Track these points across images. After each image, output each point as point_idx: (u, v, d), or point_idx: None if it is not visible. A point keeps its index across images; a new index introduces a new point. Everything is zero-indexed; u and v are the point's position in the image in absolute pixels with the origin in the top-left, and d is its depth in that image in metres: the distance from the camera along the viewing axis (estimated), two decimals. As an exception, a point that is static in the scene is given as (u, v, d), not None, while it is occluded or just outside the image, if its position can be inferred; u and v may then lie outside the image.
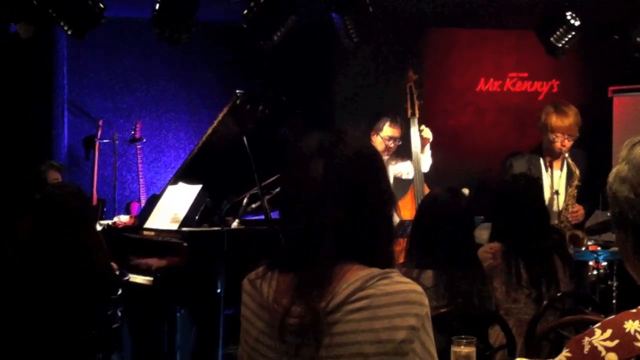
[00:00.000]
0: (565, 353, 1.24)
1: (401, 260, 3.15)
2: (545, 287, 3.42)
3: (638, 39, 5.19)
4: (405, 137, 5.17)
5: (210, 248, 4.23)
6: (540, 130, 4.69)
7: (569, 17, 5.21)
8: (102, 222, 4.98)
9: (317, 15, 5.60)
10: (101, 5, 4.49)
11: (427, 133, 5.17)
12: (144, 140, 6.66)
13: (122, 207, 6.58)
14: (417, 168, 5.13)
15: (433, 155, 5.26)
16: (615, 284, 4.46)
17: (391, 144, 5.13)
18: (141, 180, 6.49)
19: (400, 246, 3.80)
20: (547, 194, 4.59)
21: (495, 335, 3.15)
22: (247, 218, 4.77)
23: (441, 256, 2.94)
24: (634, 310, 1.25)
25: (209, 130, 4.59)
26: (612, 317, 1.26)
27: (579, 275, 4.11)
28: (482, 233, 3.99)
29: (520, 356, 2.98)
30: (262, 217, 4.64)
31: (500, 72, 6.83)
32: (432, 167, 5.26)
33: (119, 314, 3.78)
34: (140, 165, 6.54)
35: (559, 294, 3.40)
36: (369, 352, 1.41)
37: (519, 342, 3.17)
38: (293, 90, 6.03)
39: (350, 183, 1.50)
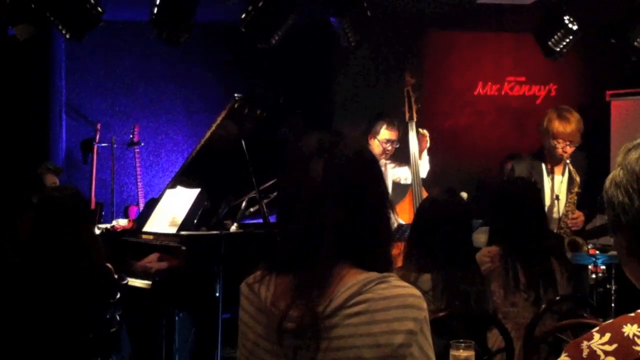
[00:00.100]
0: (563, 357, 1.24)
1: (399, 264, 3.14)
2: (544, 291, 3.41)
3: (636, 43, 5.21)
4: (403, 141, 5.16)
5: (209, 252, 4.22)
6: (542, 135, 4.66)
7: (566, 21, 5.22)
8: (100, 225, 4.96)
9: (317, 16, 5.60)
10: (99, 9, 4.49)
11: (426, 138, 5.15)
12: (142, 144, 6.66)
13: (120, 211, 6.58)
14: (415, 172, 5.12)
15: (432, 155, 5.26)
16: (613, 288, 4.45)
17: (388, 147, 5.12)
18: (139, 183, 6.49)
19: (398, 250, 3.79)
20: (548, 199, 4.58)
21: (494, 339, 3.15)
22: (245, 222, 4.77)
23: (440, 256, 2.95)
24: (633, 314, 1.25)
25: (207, 134, 4.59)
26: (611, 321, 1.26)
27: (577, 279, 4.10)
28: (480, 237, 3.98)
29: (518, 360, 2.98)
30: (261, 220, 4.64)
31: (499, 75, 6.84)
32: (431, 168, 5.26)
33: (118, 317, 3.77)
34: (138, 169, 6.54)
35: (557, 298, 3.40)
36: (367, 356, 1.41)
37: (517, 345, 3.17)
38: (293, 90, 6.03)
39: (350, 183, 1.50)
